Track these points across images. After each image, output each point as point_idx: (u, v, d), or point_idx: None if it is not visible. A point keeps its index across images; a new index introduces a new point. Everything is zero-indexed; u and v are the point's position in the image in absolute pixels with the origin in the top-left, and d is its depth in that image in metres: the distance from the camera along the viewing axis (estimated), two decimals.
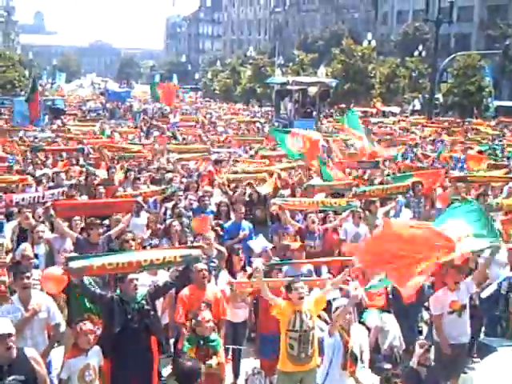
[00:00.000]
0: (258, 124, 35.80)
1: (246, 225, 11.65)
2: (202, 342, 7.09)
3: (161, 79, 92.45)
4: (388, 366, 9.08)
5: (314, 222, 11.06)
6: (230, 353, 8.72)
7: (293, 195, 13.60)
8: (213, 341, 7.19)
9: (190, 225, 11.38)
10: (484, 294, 9.70)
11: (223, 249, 9.87)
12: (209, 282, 8.32)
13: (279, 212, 11.22)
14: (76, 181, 14.82)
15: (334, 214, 11.78)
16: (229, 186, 14.37)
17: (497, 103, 50.76)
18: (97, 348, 6.89)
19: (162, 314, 8.69)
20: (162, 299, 8.53)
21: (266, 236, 11.58)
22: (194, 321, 7.27)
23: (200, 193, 13.56)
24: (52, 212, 9.99)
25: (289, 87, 34.63)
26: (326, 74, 54.35)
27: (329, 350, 7.17)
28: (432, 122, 36.53)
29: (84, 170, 16.11)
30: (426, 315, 10.53)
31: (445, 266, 8.80)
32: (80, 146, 19.66)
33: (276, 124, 34.80)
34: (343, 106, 51.11)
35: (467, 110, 46.77)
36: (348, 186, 13.52)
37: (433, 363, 8.13)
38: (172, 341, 8.98)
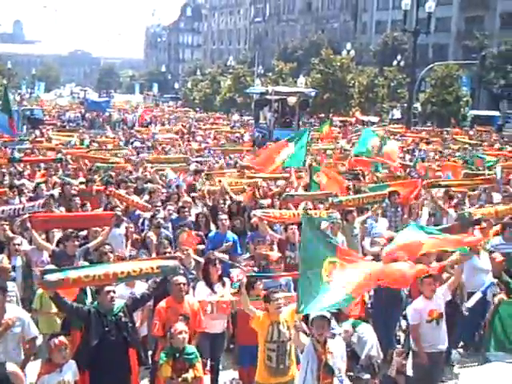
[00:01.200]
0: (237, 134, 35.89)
1: (231, 236, 11.65)
2: (177, 355, 7.05)
3: (141, 88, 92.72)
4: (366, 376, 9.13)
5: (294, 234, 11.09)
6: (209, 364, 8.70)
7: (272, 205, 13.62)
8: (189, 353, 7.15)
9: (168, 236, 11.38)
10: (470, 303, 9.79)
11: (201, 259, 9.86)
12: (187, 293, 8.30)
13: (259, 223, 11.25)
14: (57, 192, 14.70)
15: None
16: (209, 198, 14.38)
17: (474, 113, 51.31)
18: (72, 363, 6.82)
19: (140, 325, 8.66)
20: (139, 311, 8.50)
21: (245, 246, 11.63)
22: (168, 333, 7.25)
23: (180, 203, 13.56)
24: (28, 224, 9.92)
25: (268, 97, 34.67)
26: (306, 84, 54.61)
27: (303, 361, 7.17)
28: (412, 132, 36.78)
29: (60, 180, 15.99)
30: (403, 324, 10.58)
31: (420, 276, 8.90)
32: (58, 156, 19.52)
33: (256, 134, 34.85)
34: (322, 115, 51.37)
35: (445, 119, 47.24)
36: (326, 196, 13.61)
37: (411, 371, 8.20)
38: (150, 353, 8.95)
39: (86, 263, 8.97)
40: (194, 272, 9.60)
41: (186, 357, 7.07)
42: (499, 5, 65.58)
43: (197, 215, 12.69)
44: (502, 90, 57.32)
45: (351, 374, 8.75)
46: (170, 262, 7.52)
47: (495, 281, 9.82)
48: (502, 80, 57.18)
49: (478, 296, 9.96)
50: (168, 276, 7.68)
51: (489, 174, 17.04)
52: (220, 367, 9.14)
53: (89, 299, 7.98)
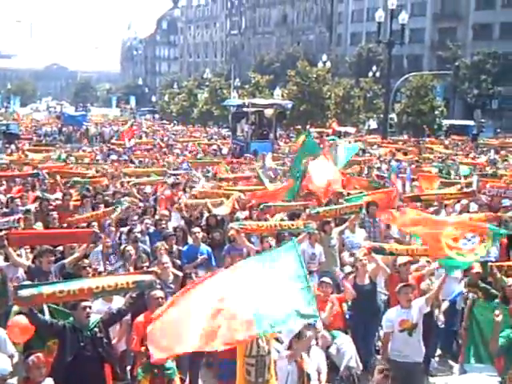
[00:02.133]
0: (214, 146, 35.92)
1: (205, 248, 11.64)
2: (156, 371, 7.02)
3: (118, 102, 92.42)
4: None
5: (270, 246, 11.10)
6: (188, 379, 8.65)
7: (250, 217, 13.63)
8: (168, 369, 7.12)
9: (145, 250, 11.34)
10: (438, 312, 9.85)
11: (179, 273, 9.82)
12: None
13: (236, 236, 11.25)
14: (33, 207, 14.54)
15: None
16: (187, 211, 14.37)
17: (449, 122, 51.80)
18: (49, 380, 6.76)
19: (118, 340, 8.59)
20: (118, 326, 8.44)
21: (222, 259, 11.61)
22: (144, 349, 7.21)
23: (157, 217, 13.54)
24: (5, 242, 9.80)
25: (245, 109, 34.78)
26: (282, 96, 54.80)
27: (283, 374, 7.17)
28: (389, 142, 36.98)
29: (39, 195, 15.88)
30: (382, 334, 10.61)
31: (398, 284, 8.97)
32: (35, 171, 19.39)
33: (233, 146, 34.92)
34: (299, 127, 51.55)
35: (421, 129, 47.66)
36: (304, 207, 13.66)
37: None
38: (129, 368, 8.88)
39: None
40: (172, 286, 9.56)
41: (164, 372, 7.04)
42: (471, 16, 66.59)
43: (174, 229, 12.66)
44: (476, 100, 58.06)
45: None
46: (146, 277, 7.50)
47: (465, 290, 9.91)
48: (475, 90, 57.95)
49: (445, 305, 10.05)
50: (144, 291, 7.66)
51: (466, 183, 17.21)
52: (199, 382, 9.09)
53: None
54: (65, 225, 12.61)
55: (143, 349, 7.08)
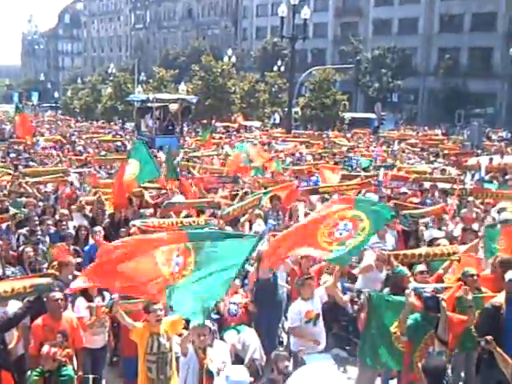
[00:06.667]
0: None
1: None
2: (48, 375, 6.83)
3: (19, 98, 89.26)
4: (250, 379, 9.26)
5: None
6: (91, 379, 8.53)
7: (155, 214, 13.54)
8: (63, 375, 6.92)
9: (47, 251, 11.05)
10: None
11: (79, 273, 9.63)
12: (65, 309, 8.10)
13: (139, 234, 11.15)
14: None
15: None
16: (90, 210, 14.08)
17: (351, 115, 53.03)
18: None
19: (15, 345, 8.36)
20: (14, 330, 8.21)
21: None
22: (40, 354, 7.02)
23: (57, 216, 13.22)
24: None
25: (149, 104, 34.43)
26: (187, 91, 54.57)
27: (183, 368, 7.21)
28: (293, 136, 37.46)
29: None
30: (286, 325, 10.78)
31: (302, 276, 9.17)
32: None
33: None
34: (205, 121, 51.56)
35: (324, 122, 48.61)
36: (208, 204, 13.73)
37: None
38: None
39: None
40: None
41: (58, 377, 6.86)
42: (371, 12, 68.59)
43: (78, 228, 12.36)
44: (377, 93, 59.83)
45: None
46: (43, 280, 7.38)
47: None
48: (376, 83, 59.70)
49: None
50: (42, 294, 7.49)
51: (366, 176, 17.66)
52: (103, 381, 8.99)
53: None
54: None
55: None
